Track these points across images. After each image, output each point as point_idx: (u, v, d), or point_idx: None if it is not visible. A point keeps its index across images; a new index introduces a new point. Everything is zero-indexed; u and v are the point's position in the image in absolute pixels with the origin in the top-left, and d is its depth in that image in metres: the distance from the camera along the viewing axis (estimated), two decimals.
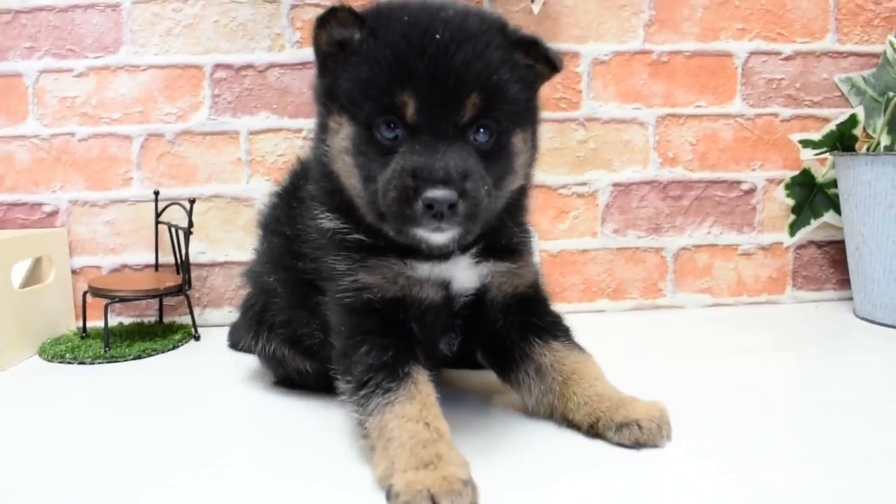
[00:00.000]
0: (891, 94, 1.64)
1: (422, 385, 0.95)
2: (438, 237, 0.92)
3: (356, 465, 0.94)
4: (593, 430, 1.02)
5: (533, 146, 1.04)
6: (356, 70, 0.93)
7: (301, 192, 1.14)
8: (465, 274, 1.06)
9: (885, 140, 1.65)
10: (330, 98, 0.98)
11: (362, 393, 0.94)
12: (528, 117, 1.01)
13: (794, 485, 0.88)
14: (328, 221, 1.04)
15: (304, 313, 1.15)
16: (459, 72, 0.90)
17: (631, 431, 0.98)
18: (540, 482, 0.91)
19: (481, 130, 0.94)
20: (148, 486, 0.91)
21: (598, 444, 1.01)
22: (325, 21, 0.95)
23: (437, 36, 0.91)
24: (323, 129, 1.00)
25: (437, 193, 0.86)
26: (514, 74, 0.96)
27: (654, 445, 0.99)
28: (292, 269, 1.14)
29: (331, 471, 0.94)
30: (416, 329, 1.03)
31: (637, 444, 0.98)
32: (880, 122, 1.66)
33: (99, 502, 0.87)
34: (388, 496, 0.81)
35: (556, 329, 1.12)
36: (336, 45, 0.96)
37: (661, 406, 1.02)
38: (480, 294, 1.09)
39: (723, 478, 0.90)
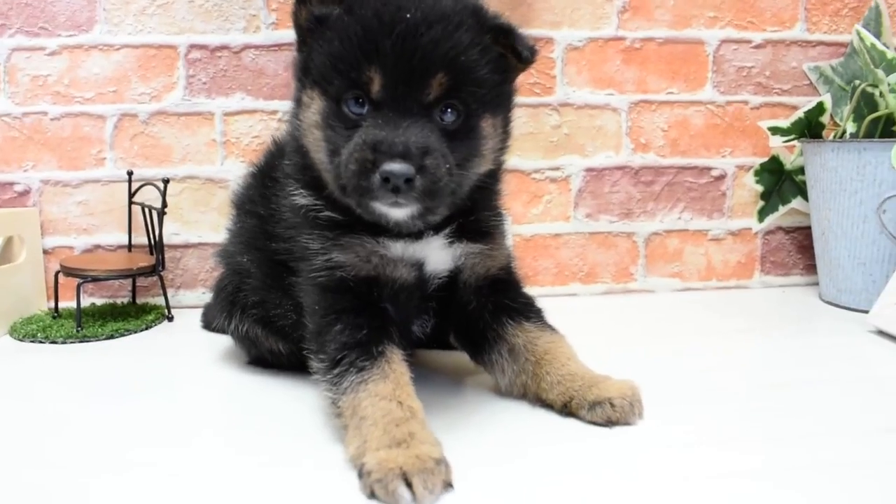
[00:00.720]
0: (857, 82, 1.67)
1: (395, 364, 0.96)
2: (396, 212, 0.94)
3: (329, 444, 0.95)
4: (567, 409, 1.04)
5: (504, 131, 1.05)
6: (329, 45, 0.95)
7: (276, 173, 1.14)
8: (438, 255, 1.07)
9: (850, 127, 1.68)
10: (304, 73, 0.99)
11: (336, 371, 0.95)
12: (499, 102, 1.02)
13: (758, 458, 0.91)
14: (301, 198, 1.05)
15: (277, 294, 1.15)
16: (426, 50, 0.91)
17: (604, 409, 1.00)
18: (512, 458, 0.92)
19: (448, 110, 0.95)
20: (121, 466, 0.91)
21: (571, 422, 1.02)
22: None
23: (408, 15, 0.92)
24: (297, 103, 1.02)
25: (394, 167, 0.87)
26: (484, 57, 0.97)
27: (627, 423, 1.01)
28: (265, 250, 1.14)
29: (304, 449, 0.95)
30: (391, 309, 1.04)
31: (609, 422, 1.00)
32: (846, 109, 1.70)
33: (72, 481, 0.87)
34: (361, 474, 0.82)
35: (528, 310, 1.14)
36: (315, 20, 0.98)
37: (632, 385, 1.04)
38: (453, 275, 1.10)
39: (693, 452, 0.93)
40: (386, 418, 0.88)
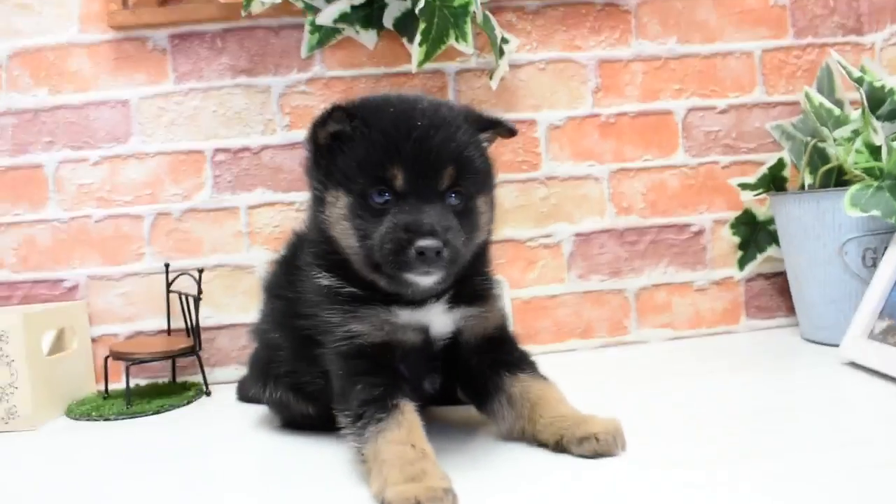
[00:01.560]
0: (808, 138, 1.86)
1: (408, 414, 1.12)
2: (426, 280, 1.12)
3: (357, 488, 1.09)
4: (559, 446, 1.18)
5: (492, 207, 1.26)
6: (353, 152, 1.14)
7: (298, 261, 1.33)
8: (440, 319, 1.24)
9: (808, 179, 1.86)
10: (327, 177, 1.18)
11: (359, 424, 1.11)
12: (488, 184, 1.24)
13: (730, 473, 1.05)
14: (325, 280, 1.23)
15: (304, 363, 1.32)
16: (438, 150, 1.13)
17: (590, 444, 1.14)
18: (513, 487, 1.07)
19: (454, 195, 1.16)
20: None
21: (562, 457, 1.16)
22: (324, 121, 1.16)
23: (419, 123, 1.13)
24: (320, 202, 1.20)
25: (428, 243, 1.07)
26: (477, 151, 1.20)
27: (611, 455, 1.14)
28: (293, 327, 1.31)
29: (335, 494, 1.10)
30: (403, 369, 1.21)
31: (596, 455, 1.14)
32: (803, 163, 1.88)
33: None
34: None
35: (522, 363, 1.30)
36: (331, 136, 1.18)
37: (615, 421, 1.18)
38: (455, 336, 1.27)
39: (670, 479, 1.05)
40: (401, 459, 1.03)
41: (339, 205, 1.16)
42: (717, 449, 1.17)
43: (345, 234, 1.16)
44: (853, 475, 1.01)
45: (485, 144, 1.25)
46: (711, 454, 1.14)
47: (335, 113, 1.16)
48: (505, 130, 1.29)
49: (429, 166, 1.12)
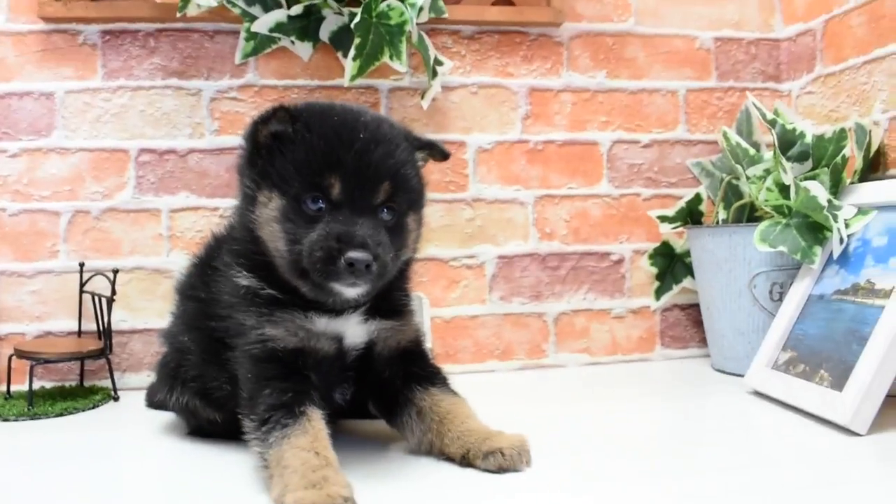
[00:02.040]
0: (724, 175, 1.94)
1: (315, 421, 1.11)
2: (352, 291, 1.13)
3: (258, 496, 1.08)
4: (465, 460, 1.19)
5: (420, 225, 1.28)
6: (291, 155, 1.14)
7: (214, 262, 1.32)
8: (355, 330, 1.25)
9: (722, 214, 1.93)
10: (262, 177, 1.18)
11: (264, 429, 1.10)
12: (419, 202, 1.26)
13: (636, 490, 1.08)
14: (244, 280, 1.22)
15: (214, 368, 1.30)
16: (377, 164, 1.14)
17: (496, 458, 1.16)
18: (416, 499, 1.08)
19: (386, 210, 1.17)
20: None
21: (467, 472, 1.17)
22: (268, 118, 1.16)
23: (361, 135, 1.15)
24: (251, 201, 1.19)
25: (358, 255, 1.08)
26: (413, 170, 1.22)
27: (515, 470, 1.16)
28: (205, 329, 1.30)
29: (236, 502, 1.09)
30: (314, 377, 1.20)
31: (501, 469, 1.15)
32: (718, 199, 1.95)
33: None
34: None
35: (434, 378, 1.31)
36: (272, 136, 1.17)
37: (521, 437, 1.20)
38: (369, 347, 1.27)
39: (574, 495, 1.07)
40: (304, 466, 1.03)
41: (270, 206, 1.16)
42: (622, 467, 1.19)
43: (273, 236, 1.16)
44: (753, 495, 1.05)
45: (420, 164, 1.28)
46: (617, 472, 1.17)
47: (279, 113, 1.15)
48: (439, 153, 1.32)
49: (366, 179, 1.14)
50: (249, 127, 1.19)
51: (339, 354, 1.24)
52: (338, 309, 1.21)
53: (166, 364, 1.45)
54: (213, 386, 1.32)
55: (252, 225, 1.19)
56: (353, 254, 1.07)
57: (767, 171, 1.79)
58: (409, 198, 1.21)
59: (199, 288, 1.36)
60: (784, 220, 1.69)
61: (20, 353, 1.66)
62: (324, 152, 1.13)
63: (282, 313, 1.19)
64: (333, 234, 1.10)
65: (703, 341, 2.11)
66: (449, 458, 1.22)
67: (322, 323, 1.21)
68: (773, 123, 1.77)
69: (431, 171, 1.93)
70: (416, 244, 1.28)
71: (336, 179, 1.12)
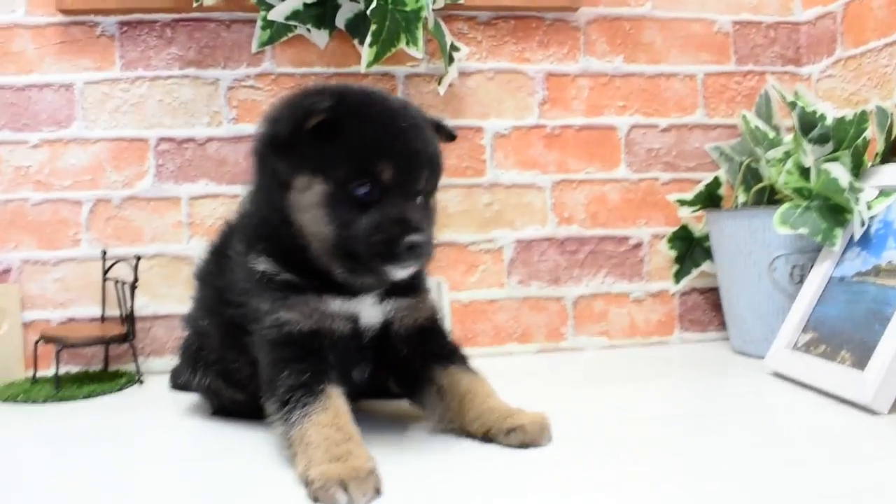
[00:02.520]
0: (744, 158, 1.93)
1: (334, 398, 1.11)
2: (405, 272, 1.17)
3: (282, 471, 1.09)
4: (487, 438, 1.20)
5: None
6: (338, 141, 1.15)
7: (229, 251, 1.33)
8: (370, 311, 1.25)
9: (742, 197, 1.92)
10: (300, 162, 1.17)
11: (285, 410, 1.10)
12: (438, 185, 1.30)
13: (659, 476, 1.07)
14: (261, 265, 1.22)
15: (233, 352, 1.32)
16: (421, 151, 1.18)
17: (517, 434, 1.17)
18: (437, 471, 1.08)
19: (422, 195, 1.21)
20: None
21: (490, 447, 1.18)
22: (313, 106, 1.14)
23: (403, 123, 1.17)
24: (283, 186, 1.19)
25: (418, 238, 1.12)
26: (441, 155, 1.26)
27: (538, 445, 1.17)
28: (223, 315, 1.31)
29: (262, 476, 1.10)
30: (331, 357, 1.20)
31: (523, 445, 1.16)
32: (737, 182, 1.94)
33: None
34: (307, 485, 0.98)
35: (453, 356, 1.31)
36: (320, 125, 1.16)
37: (542, 414, 1.21)
38: (385, 326, 1.28)
39: (595, 470, 1.08)
40: (327, 441, 1.04)
41: (312, 191, 1.16)
42: (642, 443, 1.20)
43: (317, 220, 1.16)
44: (770, 470, 1.05)
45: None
46: (636, 447, 1.17)
47: (324, 99, 1.15)
48: (446, 135, 1.35)
49: (414, 166, 1.17)
50: (290, 109, 1.17)
51: (355, 335, 1.24)
52: (354, 292, 1.22)
53: (188, 347, 1.48)
54: (234, 368, 1.34)
55: (286, 210, 1.19)
56: (414, 237, 1.11)
57: (787, 154, 1.78)
58: (437, 181, 1.25)
59: (215, 275, 1.37)
60: (804, 203, 1.68)
61: (46, 338, 1.69)
62: (374, 140, 1.15)
63: (296, 297, 1.20)
64: (392, 218, 1.13)
65: (722, 325, 2.10)
66: (470, 436, 1.22)
67: (336, 304, 1.21)
68: (793, 106, 1.76)
69: (449, 156, 1.95)
70: None
71: (388, 166, 1.14)
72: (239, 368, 1.33)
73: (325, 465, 1.00)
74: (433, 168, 1.21)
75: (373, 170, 1.14)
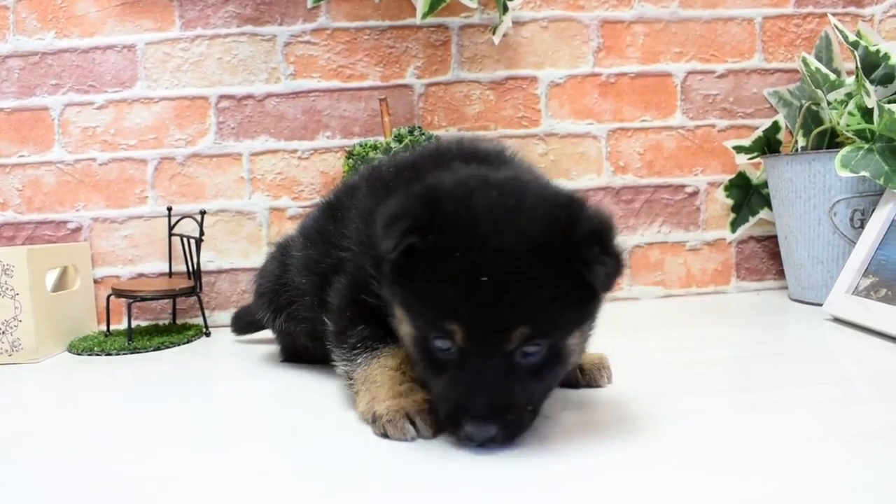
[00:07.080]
0: (803, 101, 1.89)
1: (403, 351, 1.09)
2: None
3: (344, 410, 1.14)
4: None
5: (591, 328, 1.05)
6: (416, 279, 0.94)
7: (341, 211, 1.27)
8: None
9: (801, 141, 1.89)
10: (392, 293, 1.01)
11: (354, 352, 1.12)
12: (587, 315, 1.00)
13: (719, 413, 1.09)
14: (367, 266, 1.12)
15: (322, 314, 1.25)
16: (506, 310, 0.89)
17: (576, 374, 1.20)
18: None
19: (530, 350, 0.93)
20: (177, 457, 1.04)
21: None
22: (404, 229, 0.91)
23: (492, 264, 0.88)
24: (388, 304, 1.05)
25: (476, 431, 0.91)
26: (572, 289, 0.91)
27: (598, 386, 1.20)
28: (323, 275, 1.26)
29: (325, 413, 1.15)
30: None
31: (584, 386, 1.20)
32: (797, 126, 1.91)
33: (131, 473, 0.98)
34: (374, 420, 1.01)
35: None
36: (406, 243, 0.94)
37: (602, 356, 1.23)
38: None
39: (656, 407, 1.09)
40: (391, 380, 1.06)
41: (404, 327, 1.02)
42: (701, 384, 1.22)
43: (413, 353, 1.03)
44: (829, 407, 1.06)
45: (592, 267, 0.90)
46: (696, 388, 1.19)
47: (413, 219, 0.92)
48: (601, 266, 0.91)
49: (493, 329, 0.91)
50: (382, 226, 0.94)
51: None
52: None
53: (267, 292, 1.47)
54: (321, 330, 1.27)
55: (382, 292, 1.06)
56: (472, 428, 0.91)
57: (849, 96, 1.75)
58: (566, 328, 0.96)
59: (324, 233, 1.31)
60: (867, 145, 1.66)
61: (118, 293, 1.75)
62: (445, 291, 0.90)
63: None
64: (454, 396, 0.94)
65: (780, 273, 2.09)
66: None
67: None
68: (855, 45, 1.72)
69: (503, 106, 1.96)
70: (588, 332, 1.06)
71: (458, 328, 0.91)
72: (322, 331, 1.27)
73: (389, 401, 1.02)
74: (537, 325, 0.90)
75: (445, 328, 0.92)
